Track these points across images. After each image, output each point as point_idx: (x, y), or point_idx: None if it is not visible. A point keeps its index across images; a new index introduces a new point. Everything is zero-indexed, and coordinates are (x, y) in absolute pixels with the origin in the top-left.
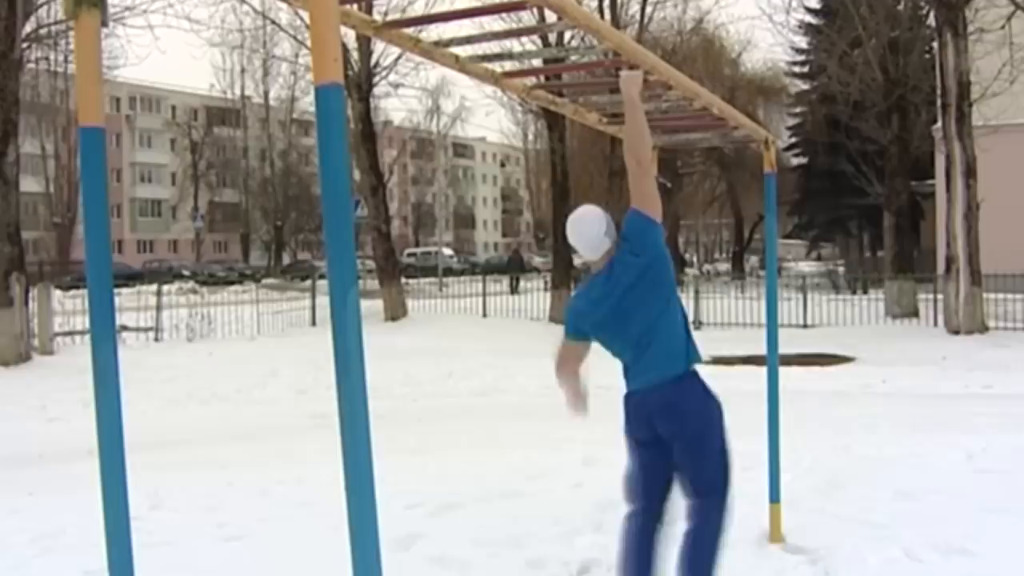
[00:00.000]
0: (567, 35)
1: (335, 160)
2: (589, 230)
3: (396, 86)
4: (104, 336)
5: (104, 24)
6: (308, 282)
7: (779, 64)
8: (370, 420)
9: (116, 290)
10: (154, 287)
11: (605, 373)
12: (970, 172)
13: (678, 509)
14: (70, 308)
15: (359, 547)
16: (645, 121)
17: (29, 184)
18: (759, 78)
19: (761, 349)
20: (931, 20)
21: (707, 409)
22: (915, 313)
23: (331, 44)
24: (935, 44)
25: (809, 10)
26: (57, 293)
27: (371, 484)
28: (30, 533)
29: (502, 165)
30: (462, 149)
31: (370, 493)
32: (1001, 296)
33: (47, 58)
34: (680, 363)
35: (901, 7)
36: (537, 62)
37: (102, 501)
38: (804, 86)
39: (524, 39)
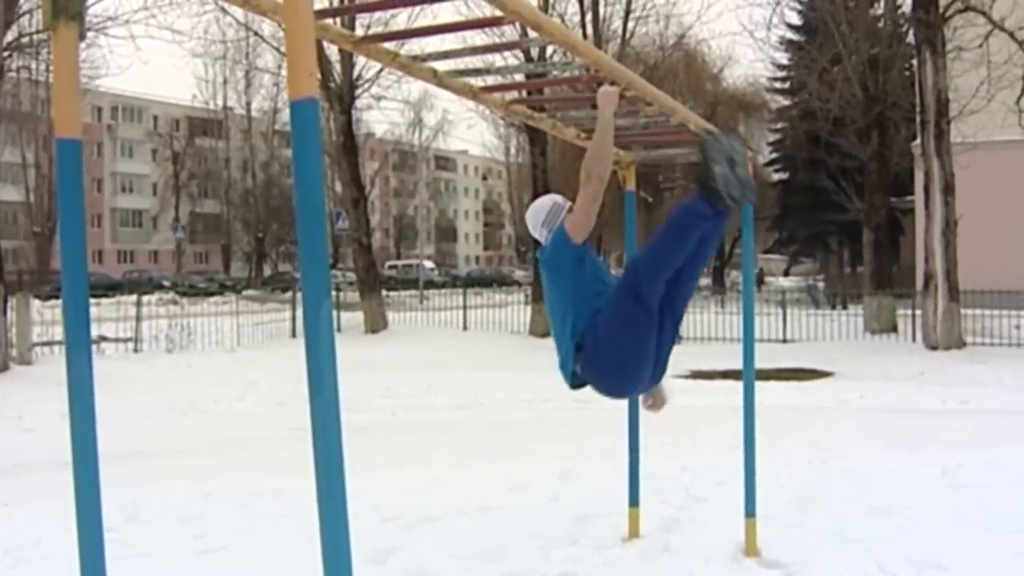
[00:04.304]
0: (548, 51)
1: (310, 174)
2: (531, 216)
3: (378, 98)
4: (79, 347)
5: (82, 37)
6: (288, 294)
7: (760, 80)
8: (344, 431)
9: (96, 300)
10: (134, 297)
11: (582, 391)
12: (949, 189)
13: None
14: (49, 318)
15: (330, 559)
16: (611, 141)
17: (9, 193)
18: (740, 94)
19: (741, 364)
20: (910, 38)
21: None
22: (894, 329)
23: (307, 58)
24: (914, 62)
25: (790, 27)
26: (36, 303)
27: (343, 495)
28: (5, 544)
29: (484, 178)
30: (444, 162)
31: (342, 504)
32: (979, 312)
33: (28, 67)
34: (566, 373)
35: (881, 25)
36: (517, 77)
37: (76, 512)
38: (785, 102)
39: (506, 54)
